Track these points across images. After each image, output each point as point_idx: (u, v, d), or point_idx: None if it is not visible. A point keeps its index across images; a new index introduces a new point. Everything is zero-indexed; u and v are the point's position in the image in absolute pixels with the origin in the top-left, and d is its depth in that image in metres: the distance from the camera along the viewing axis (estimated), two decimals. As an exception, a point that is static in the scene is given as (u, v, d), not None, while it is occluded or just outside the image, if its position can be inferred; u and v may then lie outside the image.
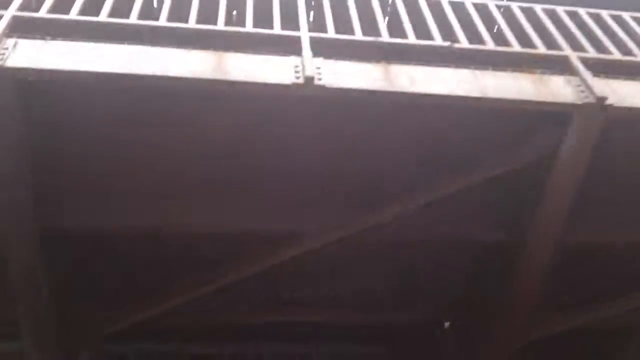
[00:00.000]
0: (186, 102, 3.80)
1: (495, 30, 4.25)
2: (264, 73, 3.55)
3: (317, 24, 4.09)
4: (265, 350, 5.76)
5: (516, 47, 4.03)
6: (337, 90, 3.57)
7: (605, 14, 4.51)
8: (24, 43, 3.44)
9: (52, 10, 3.73)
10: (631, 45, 4.25)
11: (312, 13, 4.26)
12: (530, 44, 4.12)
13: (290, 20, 3.94)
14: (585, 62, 3.96)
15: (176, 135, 3.94)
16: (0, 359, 5.35)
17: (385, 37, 3.92)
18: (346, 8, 4.15)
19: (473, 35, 4.09)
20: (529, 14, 4.41)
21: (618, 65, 4.01)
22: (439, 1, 4.33)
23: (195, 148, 4.01)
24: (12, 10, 3.64)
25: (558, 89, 3.76)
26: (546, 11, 4.45)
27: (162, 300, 4.65)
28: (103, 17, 3.73)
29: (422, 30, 4.05)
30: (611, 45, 4.21)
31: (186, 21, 3.82)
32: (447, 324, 5.38)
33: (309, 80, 3.51)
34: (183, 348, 5.66)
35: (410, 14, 4.16)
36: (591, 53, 4.11)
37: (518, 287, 4.56)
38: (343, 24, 4.02)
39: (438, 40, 3.94)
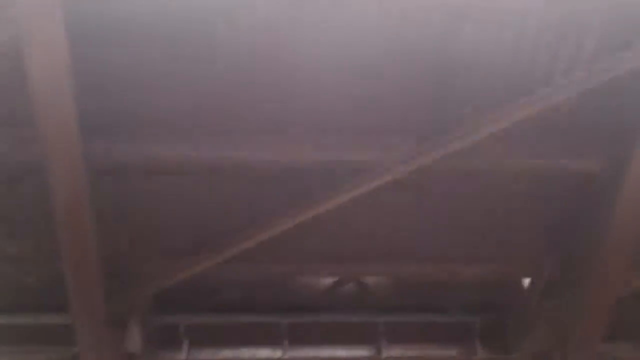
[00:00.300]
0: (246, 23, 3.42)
1: None
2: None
3: None
4: (327, 319, 5.31)
5: None
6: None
7: None
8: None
9: None
10: None
11: None
12: None
13: None
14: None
15: (235, 60, 3.57)
16: (47, 331, 5.00)
17: None
18: None
19: None
20: None
21: None
22: None
23: (257, 72, 3.63)
24: None
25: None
26: None
27: (217, 251, 4.26)
28: None
29: None
30: None
31: None
32: (528, 280, 4.88)
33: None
34: (236, 318, 5.25)
35: None
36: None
37: (618, 232, 4.02)
38: None
39: None
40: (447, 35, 3.56)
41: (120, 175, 4.04)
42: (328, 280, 5.27)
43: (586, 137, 3.92)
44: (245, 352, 5.04)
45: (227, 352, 5.02)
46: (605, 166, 3.93)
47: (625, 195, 3.90)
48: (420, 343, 5.23)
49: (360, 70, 3.72)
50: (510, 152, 3.94)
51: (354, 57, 3.64)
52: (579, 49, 3.58)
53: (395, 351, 5.15)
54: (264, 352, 5.06)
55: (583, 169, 3.99)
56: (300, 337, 5.22)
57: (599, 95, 3.73)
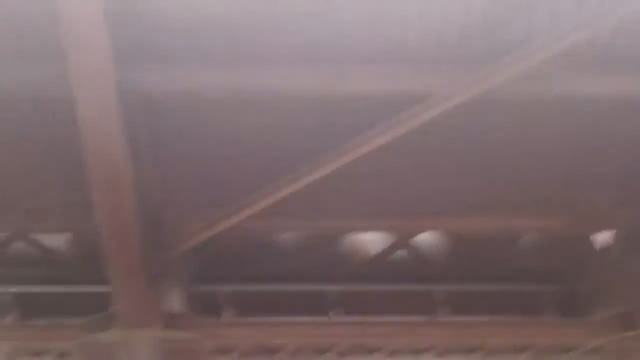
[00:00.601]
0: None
1: None
2: None
3: None
4: (378, 289, 4.90)
5: None
6: None
7: None
8: None
9: None
10: None
11: None
12: None
13: None
14: None
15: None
16: (85, 300, 4.73)
17: None
18: None
19: None
20: None
21: None
22: None
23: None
24: None
25: None
26: None
27: (257, 200, 3.92)
28: None
29: None
30: None
31: None
32: (603, 235, 4.40)
33: None
34: (278, 287, 4.86)
35: None
36: None
37: None
38: None
39: None
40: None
41: (155, 110, 3.78)
42: (378, 245, 4.92)
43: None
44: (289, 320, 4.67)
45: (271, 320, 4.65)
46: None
47: None
48: (482, 314, 4.80)
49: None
50: (576, 76, 3.54)
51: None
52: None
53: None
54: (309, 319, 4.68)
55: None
56: (348, 306, 4.84)
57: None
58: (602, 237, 4.38)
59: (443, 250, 4.87)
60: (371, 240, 4.94)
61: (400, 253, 4.88)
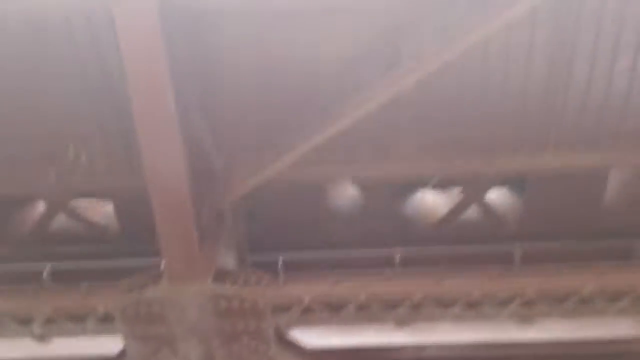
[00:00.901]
0: None
1: None
2: None
3: None
4: (443, 252, 4.44)
5: None
6: None
7: None
8: None
9: None
10: None
11: None
12: None
13: None
14: None
15: None
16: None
17: None
18: None
19: None
20: None
21: None
22: None
23: None
24: None
25: None
26: None
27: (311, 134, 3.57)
28: None
29: None
30: None
31: None
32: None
33: None
34: (340, 254, 4.44)
35: None
36: None
37: None
38: None
39: None
40: None
41: (199, 34, 3.46)
42: (446, 203, 4.50)
43: None
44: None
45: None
46: None
47: None
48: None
49: None
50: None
51: None
52: None
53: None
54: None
55: None
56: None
57: None
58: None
59: (518, 205, 4.44)
60: (439, 199, 4.58)
61: (472, 212, 4.50)
